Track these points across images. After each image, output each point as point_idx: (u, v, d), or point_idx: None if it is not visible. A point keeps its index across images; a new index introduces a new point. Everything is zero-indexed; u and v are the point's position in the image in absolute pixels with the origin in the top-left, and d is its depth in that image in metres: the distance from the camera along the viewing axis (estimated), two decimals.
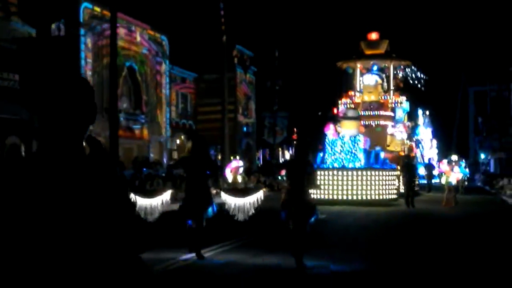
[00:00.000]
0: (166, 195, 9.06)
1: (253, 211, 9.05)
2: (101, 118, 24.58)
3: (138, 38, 30.09)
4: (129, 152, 29.31)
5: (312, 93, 47.18)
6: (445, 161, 20.03)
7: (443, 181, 18.58)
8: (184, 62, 36.55)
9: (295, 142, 38.42)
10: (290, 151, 36.46)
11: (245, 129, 39.39)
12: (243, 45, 40.15)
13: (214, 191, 8.45)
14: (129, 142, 29.13)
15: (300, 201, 7.16)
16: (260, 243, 8.73)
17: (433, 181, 27.90)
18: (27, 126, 20.33)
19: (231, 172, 19.59)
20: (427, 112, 46.88)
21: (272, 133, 37.35)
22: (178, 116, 36.58)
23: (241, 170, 20.08)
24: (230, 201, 8.82)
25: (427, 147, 43.17)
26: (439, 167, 22.33)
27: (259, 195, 8.75)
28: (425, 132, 44.21)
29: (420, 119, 44.57)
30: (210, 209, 7.62)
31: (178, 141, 35.84)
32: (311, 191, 7.64)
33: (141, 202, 8.83)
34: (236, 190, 11.40)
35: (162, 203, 8.94)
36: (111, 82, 15.34)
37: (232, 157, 22.42)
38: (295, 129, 39.53)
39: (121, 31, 28.05)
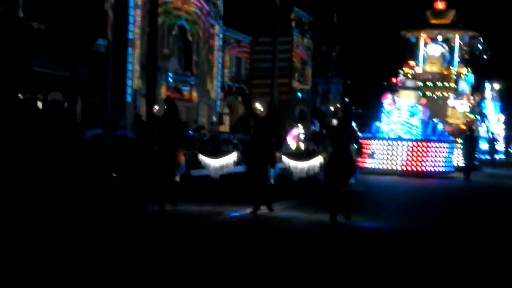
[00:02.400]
0: (232, 157, 10.50)
1: (312, 174, 10.35)
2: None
3: None
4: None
5: (370, 61, 48.26)
6: None
7: None
8: (239, 24, 37.83)
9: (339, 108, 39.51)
10: None
11: (300, 95, 40.84)
12: (302, 8, 41.36)
13: (277, 155, 9.55)
14: (178, 103, 30.75)
15: (341, 163, 8.47)
16: (317, 203, 10.03)
17: (496, 156, 28.46)
18: (70, 81, 21.89)
19: (293, 139, 21.73)
20: (496, 86, 46.87)
21: (325, 100, 38.43)
22: (231, 79, 38.44)
23: (302, 136, 22.07)
24: (292, 164, 10.15)
25: (493, 121, 43.35)
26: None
27: (319, 159, 9.90)
28: (492, 106, 44.40)
29: (488, 93, 44.85)
30: (272, 170, 9.08)
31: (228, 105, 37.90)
32: (354, 156, 8.77)
33: (208, 161, 10.39)
34: (297, 154, 12.82)
35: (228, 164, 10.39)
36: (150, 38, 15.78)
37: (294, 124, 24.35)
38: (345, 98, 40.47)
39: None
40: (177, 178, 9.36)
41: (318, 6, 41.63)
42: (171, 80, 28.94)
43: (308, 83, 41.34)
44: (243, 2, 37.82)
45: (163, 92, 28.73)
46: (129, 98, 24.98)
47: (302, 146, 21.89)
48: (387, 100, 20.90)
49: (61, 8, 17.52)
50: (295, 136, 22.08)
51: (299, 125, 24.61)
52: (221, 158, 10.36)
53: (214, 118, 30.33)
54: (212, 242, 7.11)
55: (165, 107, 9.53)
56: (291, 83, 39.86)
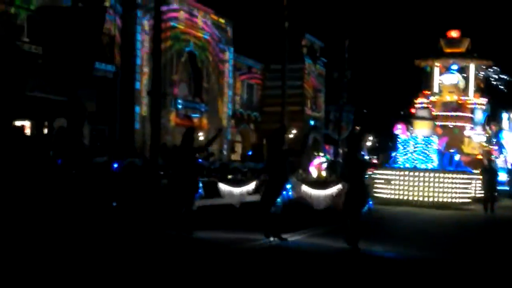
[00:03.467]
0: (251, 185, 10.54)
1: (330, 203, 10.33)
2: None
3: (200, 23, 30.99)
4: None
5: (384, 89, 48.33)
6: None
7: None
8: (250, 51, 38.21)
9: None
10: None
11: (312, 123, 40.81)
12: (314, 34, 41.60)
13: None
14: None
15: (354, 193, 8.95)
16: (336, 232, 10.24)
17: None
18: (71, 107, 22.25)
19: (315, 168, 22.29)
20: None
21: (337, 128, 38.40)
22: (243, 106, 38.51)
23: (324, 165, 22.19)
24: (308, 192, 10.20)
25: (511, 152, 43.11)
26: None
27: (337, 188, 9.89)
28: (509, 137, 44.23)
29: (505, 123, 44.75)
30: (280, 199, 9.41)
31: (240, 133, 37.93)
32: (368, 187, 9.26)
33: (227, 189, 10.55)
34: (315, 182, 13.12)
35: (247, 192, 10.53)
36: (154, 63, 15.63)
37: (316, 154, 24.80)
38: (356, 127, 40.44)
39: (182, 14, 29.23)
40: (194, 207, 9.74)
41: (330, 32, 41.87)
42: (180, 107, 28.94)
43: (321, 111, 41.37)
44: (254, 28, 38.24)
45: (172, 119, 28.77)
46: (137, 125, 24.97)
47: (324, 174, 21.60)
48: (398, 130, 20.86)
49: (59, 31, 17.63)
50: (318, 165, 22.60)
51: (321, 154, 24.96)
52: (242, 187, 10.53)
53: (225, 146, 30.18)
54: (239, 267, 7.42)
55: (185, 135, 9.87)
56: (304, 111, 39.86)
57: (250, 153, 34.51)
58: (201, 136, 30.36)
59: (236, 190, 10.43)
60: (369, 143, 46.59)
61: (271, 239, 9.40)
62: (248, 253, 8.42)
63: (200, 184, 9.78)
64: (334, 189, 9.84)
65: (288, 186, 9.53)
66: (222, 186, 10.53)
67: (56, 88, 18.04)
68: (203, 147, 10.77)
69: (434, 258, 8.74)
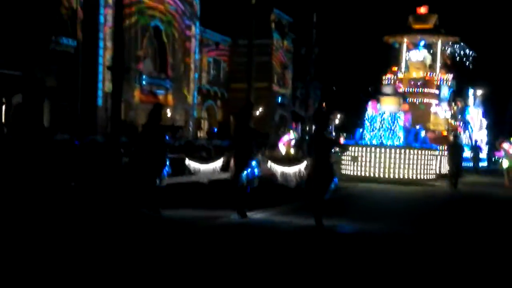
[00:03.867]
0: (219, 162, 10.66)
1: (297, 180, 10.42)
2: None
3: None
4: None
5: (352, 65, 48.44)
6: (507, 144, 20.62)
7: (505, 164, 19.97)
8: (218, 26, 37.72)
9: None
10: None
11: (279, 99, 40.67)
12: (282, 9, 41.22)
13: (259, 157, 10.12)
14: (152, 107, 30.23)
15: (320, 171, 9.10)
16: (302, 209, 10.42)
17: (480, 164, 28.61)
18: (35, 83, 21.69)
19: (284, 145, 22.53)
20: (478, 92, 47.43)
21: (304, 105, 38.38)
22: (209, 83, 38.06)
23: (293, 142, 22.79)
24: (276, 169, 10.37)
25: (476, 128, 43.84)
26: (495, 149, 23.18)
27: (302, 165, 10.01)
28: (475, 113, 44.90)
29: (471, 99, 45.35)
30: (244, 174, 9.50)
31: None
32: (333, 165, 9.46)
33: (196, 166, 10.61)
34: (283, 159, 13.23)
35: (215, 169, 10.61)
36: (115, 35, 15.13)
37: (283, 130, 24.86)
38: (323, 104, 40.48)
39: None
40: (162, 183, 9.72)
41: (299, 7, 41.55)
42: (144, 83, 28.43)
43: (288, 87, 41.21)
44: (221, 2, 37.66)
45: (137, 95, 28.27)
46: (100, 102, 24.41)
47: (292, 152, 22.20)
48: (369, 107, 20.95)
49: (12, 5, 16.91)
50: (286, 142, 22.71)
51: (291, 131, 25.04)
52: (210, 164, 10.59)
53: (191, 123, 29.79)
54: (207, 245, 7.47)
55: (152, 112, 9.82)
56: (271, 87, 39.65)
57: (215, 130, 34.28)
58: (168, 113, 29.94)
59: (204, 167, 10.49)
60: (337, 121, 46.78)
61: (235, 215, 9.49)
62: (214, 230, 8.52)
63: (168, 162, 9.75)
64: (301, 166, 9.90)
65: (254, 163, 9.58)
66: (191, 163, 10.58)
67: (11, 62, 17.40)
68: (171, 126, 10.71)
69: (397, 233, 8.96)
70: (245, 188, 9.51)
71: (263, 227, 9.09)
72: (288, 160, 11.65)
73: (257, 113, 16.39)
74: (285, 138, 23.34)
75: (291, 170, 9.96)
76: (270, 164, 10.22)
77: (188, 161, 10.51)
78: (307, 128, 28.69)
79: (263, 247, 7.51)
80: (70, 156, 13.56)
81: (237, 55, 38.19)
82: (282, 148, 22.75)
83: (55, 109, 23.53)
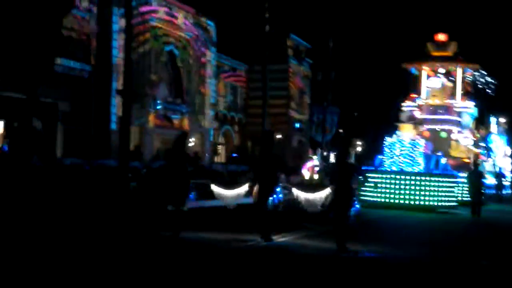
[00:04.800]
0: (243, 188, 11.05)
1: (321, 206, 10.95)
2: (135, 105, 25.96)
3: (181, 21, 30.34)
4: (167, 143, 28.85)
5: (370, 92, 48.20)
6: None
7: None
8: (234, 52, 37.81)
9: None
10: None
11: (297, 125, 40.42)
12: (301, 36, 41.19)
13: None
14: (167, 132, 29.31)
15: (342, 197, 9.24)
16: (326, 234, 10.63)
17: (503, 191, 28.37)
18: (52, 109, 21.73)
19: (308, 170, 23.36)
20: (502, 120, 47.16)
21: (321, 130, 38.08)
22: (226, 108, 38.02)
23: (316, 168, 23.39)
24: (299, 195, 10.78)
25: (500, 156, 43.51)
26: None
27: (326, 192, 10.25)
28: (498, 140, 44.65)
29: (493, 127, 45.08)
30: (270, 200, 9.79)
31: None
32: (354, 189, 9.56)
33: (221, 192, 11.03)
34: (306, 185, 13.37)
35: (240, 194, 11.14)
36: (126, 60, 15.30)
37: (309, 156, 25.54)
38: (340, 130, 40.07)
39: (161, 13, 28.59)
40: (185, 208, 10.00)
41: (316, 33, 41.54)
42: (159, 108, 28.40)
43: (306, 113, 40.98)
44: (238, 29, 37.81)
45: (152, 120, 28.21)
46: (113, 126, 24.30)
47: (316, 177, 22.50)
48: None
49: (14, 23, 17.01)
50: (310, 168, 23.44)
51: (314, 157, 25.41)
52: (235, 189, 11.13)
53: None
54: (232, 267, 7.76)
55: (178, 139, 10.30)
56: (288, 113, 39.49)
57: (234, 155, 34.07)
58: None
59: (229, 192, 11.05)
60: (359, 148, 46.32)
61: (261, 239, 9.73)
62: (238, 254, 8.79)
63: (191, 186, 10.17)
64: (324, 193, 10.29)
65: (278, 189, 9.91)
66: (215, 188, 11.10)
67: (13, 84, 17.37)
68: (193, 158, 10.86)
69: (416, 259, 9.03)
70: (270, 212, 9.70)
71: (288, 250, 9.32)
72: (312, 187, 12.02)
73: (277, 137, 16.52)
74: (309, 164, 24.20)
75: (316, 196, 10.33)
76: (294, 190, 10.62)
77: (213, 186, 10.96)
78: (324, 154, 28.41)
79: (286, 270, 7.72)
80: (78, 181, 13.42)
81: (253, 80, 38.19)
82: (306, 174, 23.18)
83: (68, 133, 23.55)
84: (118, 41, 25.14)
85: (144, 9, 27.73)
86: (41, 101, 19.91)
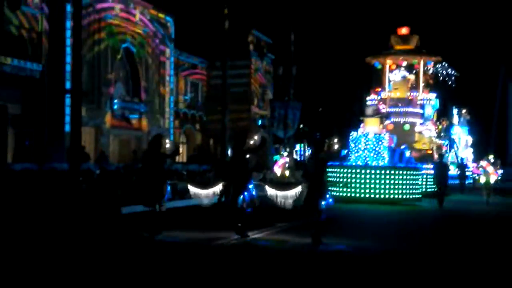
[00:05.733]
0: (219, 186, 11.34)
1: (292, 203, 11.31)
2: (90, 105, 25.28)
3: (138, 17, 29.71)
4: (125, 144, 29.15)
5: (332, 86, 48.21)
6: (484, 162, 21.40)
7: (482, 181, 20.59)
8: (194, 48, 37.18)
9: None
10: (303, 148, 37.26)
11: (260, 122, 40.02)
12: (262, 31, 40.73)
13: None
14: (125, 133, 29.03)
15: (316, 193, 9.70)
16: (298, 228, 11.22)
17: (466, 181, 28.71)
18: (1, 112, 20.92)
19: (279, 167, 23.10)
20: (463, 111, 47.95)
21: (282, 126, 37.74)
22: (187, 106, 37.32)
23: (287, 165, 23.40)
24: (272, 193, 11.15)
25: (462, 146, 44.28)
26: (478, 167, 23.44)
27: (298, 189, 10.79)
28: (460, 131, 45.39)
29: (455, 118, 45.81)
30: (241, 197, 10.22)
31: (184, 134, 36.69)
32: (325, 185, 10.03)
33: (196, 191, 11.30)
34: (278, 183, 13.76)
35: (214, 193, 11.42)
36: (74, 58, 14.81)
37: (280, 154, 25.90)
38: (300, 125, 39.83)
39: (117, 8, 27.94)
40: (163, 208, 10.15)
41: (277, 28, 41.24)
42: (116, 107, 27.55)
43: (269, 109, 40.52)
44: (198, 24, 37.21)
45: (108, 120, 27.37)
46: (68, 128, 23.43)
47: (287, 174, 22.50)
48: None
49: None
50: (282, 165, 23.15)
51: (284, 154, 25.47)
52: (210, 188, 11.46)
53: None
54: (209, 264, 8.08)
55: (152, 141, 10.47)
56: (250, 109, 39.08)
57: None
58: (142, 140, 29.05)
59: (204, 192, 11.34)
60: (336, 146, 46.17)
61: (236, 236, 10.13)
62: (216, 250, 9.13)
63: (168, 188, 10.39)
64: (296, 190, 10.81)
65: (251, 186, 10.23)
66: (191, 188, 11.31)
67: None
68: (167, 154, 11.03)
69: (387, 250, 9.48)
70: (244, 209, 10.11)
71: (263, 246, 9.73)
72: (284, 184, 12.42)
73: (253, 140, 15.98)
74: (281, 161, 23.84)
75: (288, 193, 10.72)
76: (267, 188, 10.92)
77: (190, 186, 11.19)
78: (287, 150, 28.10)
79: (263, 264, 8.12)
80: (29, 186, 12.83)
81: (214, 77, 37.64)
82: (277, 170, 23.09)
83: (19, 136, 22.58)
84: (72, 40, 24.35)
85: (99, 6, 26.99)
86: None
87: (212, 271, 7.46)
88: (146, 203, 10.08)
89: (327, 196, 9.85)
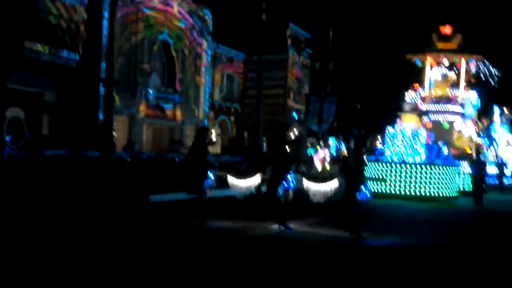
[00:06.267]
0: (257, 178, 11.45)
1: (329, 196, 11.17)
2: (125, 94, 25.40)
3: (176, 10, 29.83)
4: (158, 133, 29.45)
5: (373, 82, 47.50)
6: None
7: None
8: (232, 41, 37.12)
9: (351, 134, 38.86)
10: (338, 142, 36.82)
11: (295, 115, 39.77)
12: (301, 25, 40.44)
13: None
14: (159, 122, 29.17)
15: (353, 188, 9.94)
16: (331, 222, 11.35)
17: (505, 180, 28.06)
18: (37, 99, 21.11)
19: (319, 161, 23.58)
20: (505, 110, 47.06)
21: (317, 120, 37.36)
22: (222, 98, 37.34)
23: (328, 158, 23.74)
24: (310, 186, 11.08)
25: (502, 145, 43.54)
26: None
27: (335, 182, 10.86)
28: (501, 130, 44.62)
29: (496, 117, 44.99)
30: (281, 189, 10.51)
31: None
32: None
33: (234, 181, 11.39)
34: (314, 176, 13.57)
35: (253, 184, 11.45)
36: (108, 48, 15.25)
37: (318, 147, 26.11)
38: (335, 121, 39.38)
39: (155, 1, 28.15)
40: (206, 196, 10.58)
41: (316, 22, 40.85)
42: (151, 97, 27.66)
43: (305, 103, 40.18)
44: (237, 18, 37.10)
45: (143, 109, 27.51)
46: (102, 116, 23.62)
47: (328, 167, 22.96)
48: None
49: None
50: (321, 159, 23.48)
51: (325, 148, 25.46)
52: (248, 179, 11.51)
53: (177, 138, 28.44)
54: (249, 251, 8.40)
55: (198, 133, 10.92)
56: (286, 103, 38.80)
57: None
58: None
59: (243, 182, 11.35)
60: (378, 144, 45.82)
61: (278, 226, 10.43)
62: (254, 241, 9.34)
63: (212, 176, 10.71)
64: (333, 183, 10.77)
65: (289, 177, 10.47)
66: (230, 179, 11.40)
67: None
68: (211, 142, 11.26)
69: (423, 246, 9.55)
70: (280, 201, 10.41)
71: (301, 237, 9.88)
72: (322, 178, 12.34)
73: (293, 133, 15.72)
74: (320, 154, 24.16)
75: (325, 187, 10.72)
76: (304, 181, 10.95)
77: (229, 177, 11.32)
78: (322, 144, 27.85)
79: (302, 256, 8.26)
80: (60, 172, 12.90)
81: (251, 70, 37.41)
82: (317, 164, 23.55)
83: (54, 123, 22.85)
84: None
85: None
86: (25, 91, 19.33)
87: (246, 260, 7.68)
88: (190, 190, 10.43)
89: (366, 190, 10.04)
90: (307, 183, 10.98)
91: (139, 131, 27.02)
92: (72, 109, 23.29)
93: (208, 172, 10.62)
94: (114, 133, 24.83)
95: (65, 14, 23.76)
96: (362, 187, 10.02)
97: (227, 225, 10.61)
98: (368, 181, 11.33)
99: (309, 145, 30.85)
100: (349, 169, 10.34)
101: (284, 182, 10.43)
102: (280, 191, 10.44)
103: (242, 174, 12.12)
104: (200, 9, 32.10)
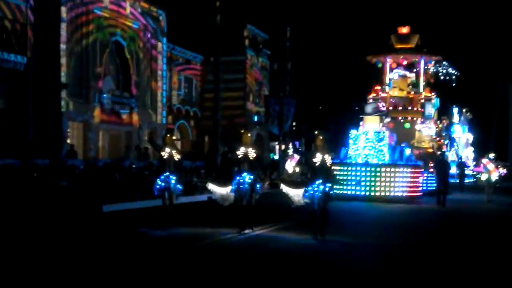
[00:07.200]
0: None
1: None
2: (77, 99, 24.57)
3: (128, 10, 29.14)
4: (116, 139, 28.68)
5: (330, 82, 47.73)
6: (486, 160, 21.32)
7: (484, 178, 20.63)
8: (188, 42, 36.45)
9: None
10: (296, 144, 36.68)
11: (256, 118, 39.37)
12: (259, 27, 40.05)
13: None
14: (115, 128, 28.47)
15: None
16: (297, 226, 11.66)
17: (466, 180, 28.46)
18: None
19: (292, 166, 23.32)
20: (464, 110, 48.05)
21: (277, 122, 37.18)
22: (181, 101, 36.63)
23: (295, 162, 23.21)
24: (288, 191, 11.16)
25: (462, 145, 44.45)
26: (478, 165, 23.14)
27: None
28: (460, 130, 45.55)
29: (456, 117, 45.89)
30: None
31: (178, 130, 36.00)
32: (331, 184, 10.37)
33: (217, 190, 11.37)
34: (293, 182, 13.85)
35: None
36: (53, 46, 15.15)
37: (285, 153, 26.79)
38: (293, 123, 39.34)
39: (107, 1, 27.33)
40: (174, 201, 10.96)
41: (273, 23, 40.62)
42: (105, 102, 26.80)
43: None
44: (193, 19, 36.53)
45: (97, 115, 26.62)
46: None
47: (297, 170, 22.94)
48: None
49: None
50: (294, 164, 23.18)
51: (294, 155, 25.45)
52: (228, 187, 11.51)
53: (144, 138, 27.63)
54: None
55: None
56: (245, 105, 38.42)
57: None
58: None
59: (220, 189, 11.41)
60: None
61: (246, 231, 10.63)
62: (220, 247, 9.46)
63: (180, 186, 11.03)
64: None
65: (258, 185, 10.84)
66: (211, 186, 11.52)
67: None
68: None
69: (385, 246, 9.87)
70: (246, 207, 10.63)
71: (267, 242, 10.01)
72: (296, 183, 12.49)
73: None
74: (292, 160, 23.91)
75: (299, 192, 10.76)
76: (282, 186, 11.12)
77: (210, 184, 11.47)
78: (283, 147, 27.60)
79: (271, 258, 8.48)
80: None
81: (209, 72, 36.76)
82: (289, 167, 23.60)
83: (3, 131, 21.81)
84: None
85: None
86: None
87: (212, 266, 7.77)
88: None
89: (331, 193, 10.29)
90: (286, 188, 11.14)
91: (94, 137, 26.13)
92: (22, 116, 22.28)
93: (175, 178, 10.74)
94: (69, 140, 23.93)
95: (10, 14, 22.75)
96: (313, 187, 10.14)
97: (200, 231, 10.65)
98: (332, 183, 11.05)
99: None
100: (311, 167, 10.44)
101: (239, 185, 10.57)
102: (235, 194, 10.68)
103: (223, 182, 12.20)
104: (153, 9, 31.42)
